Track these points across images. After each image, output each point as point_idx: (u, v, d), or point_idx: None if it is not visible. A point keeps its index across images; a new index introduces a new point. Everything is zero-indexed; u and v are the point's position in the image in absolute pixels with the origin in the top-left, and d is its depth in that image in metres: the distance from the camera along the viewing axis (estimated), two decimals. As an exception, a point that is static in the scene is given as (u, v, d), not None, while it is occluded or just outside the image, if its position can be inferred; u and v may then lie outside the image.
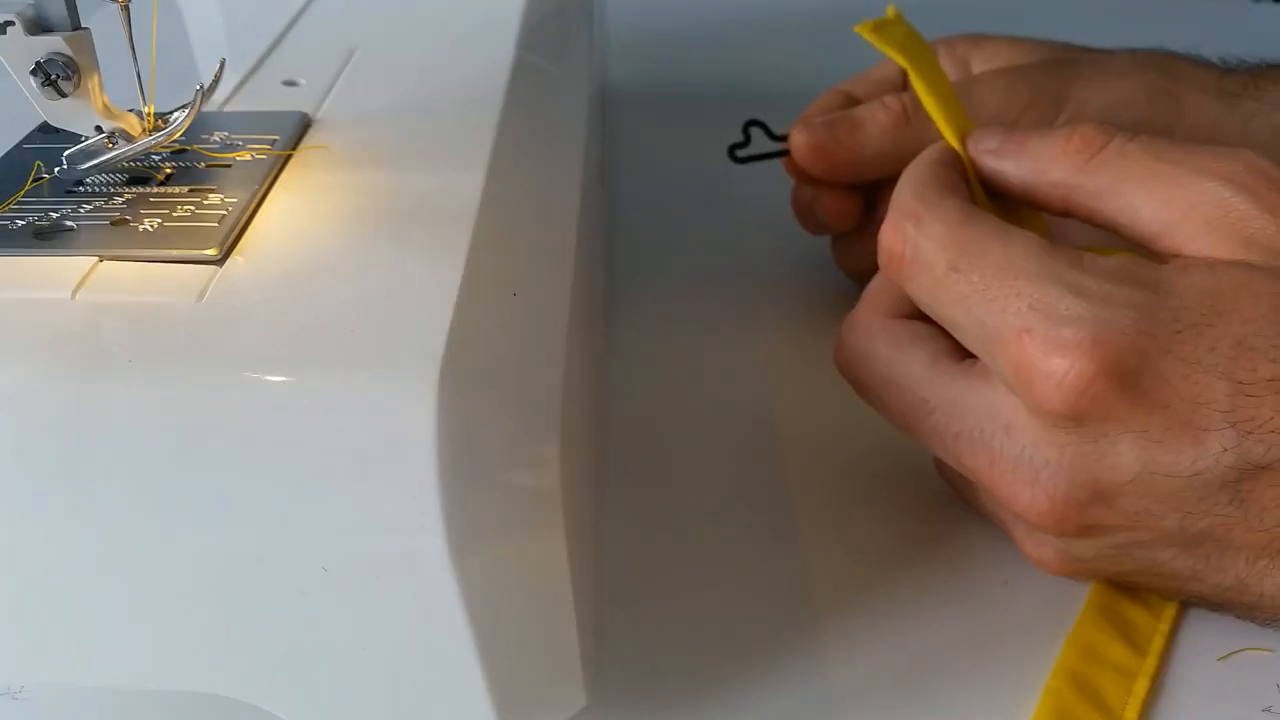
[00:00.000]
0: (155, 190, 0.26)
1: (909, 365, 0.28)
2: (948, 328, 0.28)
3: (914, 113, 0.37)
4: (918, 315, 0.29)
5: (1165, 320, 0.24)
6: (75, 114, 0.25)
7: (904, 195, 0.28)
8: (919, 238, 0.27)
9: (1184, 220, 0.26)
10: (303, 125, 0.29)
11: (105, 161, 0.26)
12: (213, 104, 0.31)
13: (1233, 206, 0.26)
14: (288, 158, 0.28)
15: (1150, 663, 0.28)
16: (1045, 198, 0.29)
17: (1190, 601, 0.29)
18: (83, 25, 0.25)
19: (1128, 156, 0.27)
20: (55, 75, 0.24)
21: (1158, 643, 0.28)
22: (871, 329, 0.29)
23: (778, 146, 0.41)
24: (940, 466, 0.32)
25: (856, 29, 0.31)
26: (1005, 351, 0.25)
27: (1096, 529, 0.25)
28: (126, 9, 0.26)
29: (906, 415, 0.28)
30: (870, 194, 0.40)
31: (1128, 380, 0.24)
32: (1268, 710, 0.27)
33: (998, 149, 0.29)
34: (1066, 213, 0.29)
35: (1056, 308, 0.24)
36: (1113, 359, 0.24)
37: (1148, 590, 0.29)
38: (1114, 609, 0.29)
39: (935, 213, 0.27)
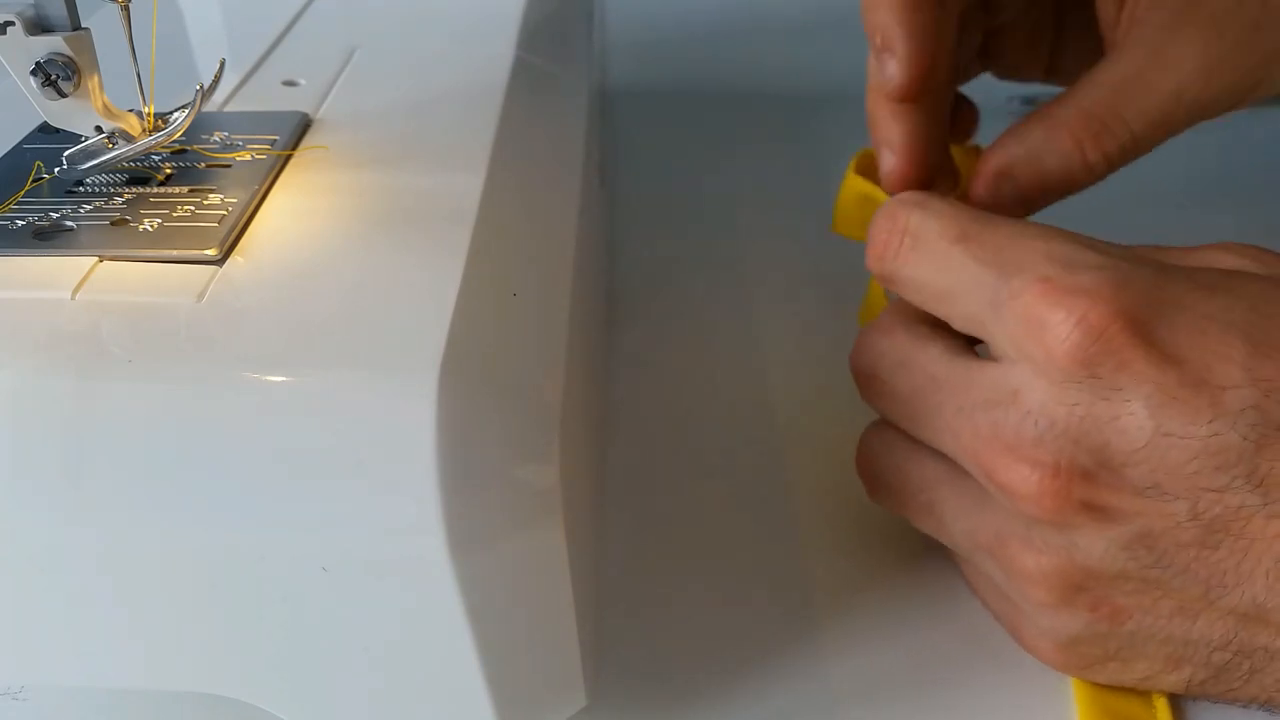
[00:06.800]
0: (155, 190, 0.26)
1: (925, 349, 0.28)
2: (946, 309, 0.27)
3: None
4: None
5: (1180, 279, 0.25)
6: (75, 114, 0.25)
7: (901, 197, 0.29)
8: (924, 218, 0.27)
9: None
10: (303, 125, 0.29)
11: (105, 161, 0.26)
12: (213, 104, 0.31)
13: None
14: (288, 158, 0.28)
15: None
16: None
17: (1198, 692, 0.26)
18: (83, 25, 0.25)
19: None
20: (55, 75, 0.24)
21: None
22: (893, 325, 0.29)
23: None
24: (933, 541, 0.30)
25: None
26: (1017, 301, 0.25)
27: (1101, 513, 0.24)
28: (126, 9, 0.26)
29: (914, 398, 0.28)
30: None
31: (1144, 328, 0.24)
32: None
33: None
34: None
35: (1074, 259, 0.25)
36: (1130, 304, 0.24)
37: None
38: (1104, 700, 0.27)
39: (938, 200, 0.28)
